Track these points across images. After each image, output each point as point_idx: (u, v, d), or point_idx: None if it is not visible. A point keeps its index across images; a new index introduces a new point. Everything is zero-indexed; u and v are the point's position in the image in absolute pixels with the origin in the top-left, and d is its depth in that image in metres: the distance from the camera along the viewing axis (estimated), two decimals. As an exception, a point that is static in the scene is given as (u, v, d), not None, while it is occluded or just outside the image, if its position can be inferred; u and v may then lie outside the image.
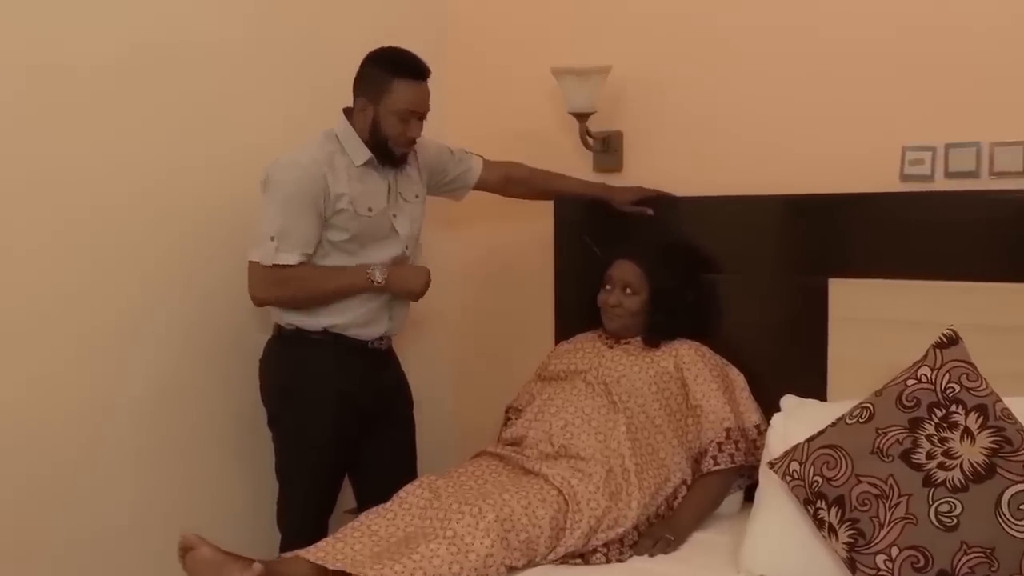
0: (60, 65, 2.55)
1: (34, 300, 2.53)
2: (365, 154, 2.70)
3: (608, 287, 2.89)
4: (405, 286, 2.78)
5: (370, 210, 2.71)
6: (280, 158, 2.66)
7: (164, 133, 2.78)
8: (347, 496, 3.01)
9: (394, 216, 2.77)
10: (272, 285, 2.66)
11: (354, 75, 2.70)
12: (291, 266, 2.63)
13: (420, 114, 2.71)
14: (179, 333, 2.84)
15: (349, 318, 2.75)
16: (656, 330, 2.86)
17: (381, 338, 2.84)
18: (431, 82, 2.71)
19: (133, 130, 2.71)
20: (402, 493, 2.51)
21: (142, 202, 2.74)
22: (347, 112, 2.75)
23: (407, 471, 2.93)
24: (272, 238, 2.60)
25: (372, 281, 2.70)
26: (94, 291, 2.65)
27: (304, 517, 2.82)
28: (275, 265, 2.63)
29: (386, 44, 2.71)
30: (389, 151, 2.71)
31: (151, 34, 2.73)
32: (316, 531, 2.77)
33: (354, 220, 2.69)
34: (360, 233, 2.71)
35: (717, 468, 2.65)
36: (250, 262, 2.67)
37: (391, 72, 2.64)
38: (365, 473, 2.93)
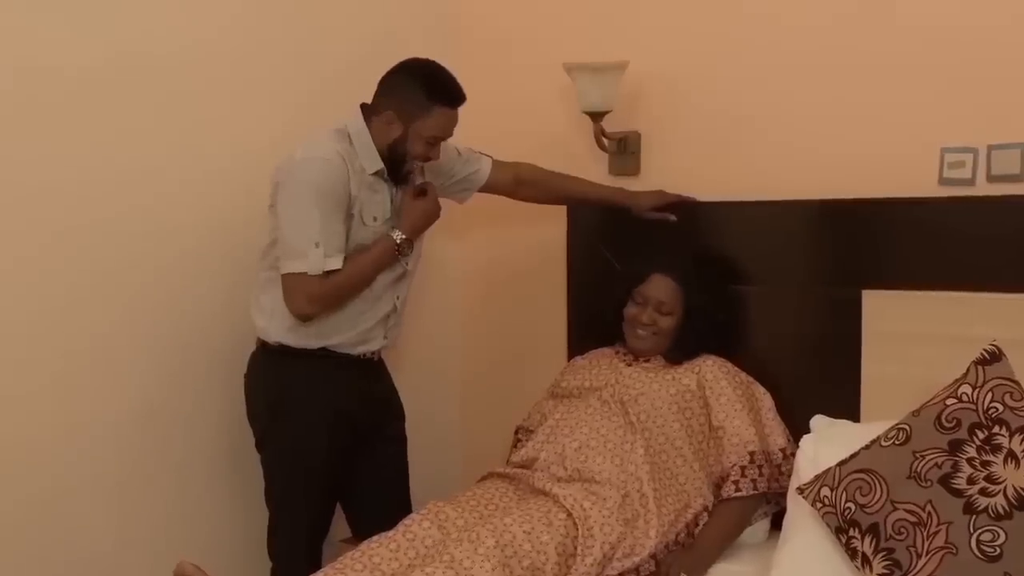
0: (51, 70, 2.57)
1: (14, 315, 2.55)
2: (377, 163, 2.71)
3: (640, 302, 2.89)
4: (421, 225, 2.81)
5: (375, 219, 2.73)
6: (296, 154, 2.65)
7: (155, 143, 2.79)
8: (339, 520, 3.03)
9: (394, 228, 2.77)
10: (322, 295, 2.65)
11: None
12: (338, 270, 2.64)
13: (446, 139, 2.76)
14: (167, 349, 2.85)
15: (344, 338, 2.77)
16: (682, 348, 2.87)
17: (373, 351, 2.87)
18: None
19: (121, 141, 2.72)
20: (408, 522, 2.51)
21: (129, 213, 2.75)
22: (364, 110, 2.74)
23: (401, 491, 2.97)
24: (317, 244, 2.59)
25: (398, 246, 2.73)
26: (77, 305, 2.66)
27: (297, 543, 2.83)
28: (326, 272, 2.62)
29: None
30: (400, 168, 2.74)
31: (147, 39, 2.76)
32: (311, 558, 2.80)
33: (360, 229, 2.71)
34: (362, 243, 2.72)
35: (739, 494, 2.66)
36: (292, 275, 2.63)
37: (431, 98, 2.66)
38: (358, 494, 2.94)
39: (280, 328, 2.73)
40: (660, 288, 2.87)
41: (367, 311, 2.78)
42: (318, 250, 2.59)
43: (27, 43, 2.53)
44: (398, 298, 2.85)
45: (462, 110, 2.74)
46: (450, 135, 2.76)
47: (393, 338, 2.93)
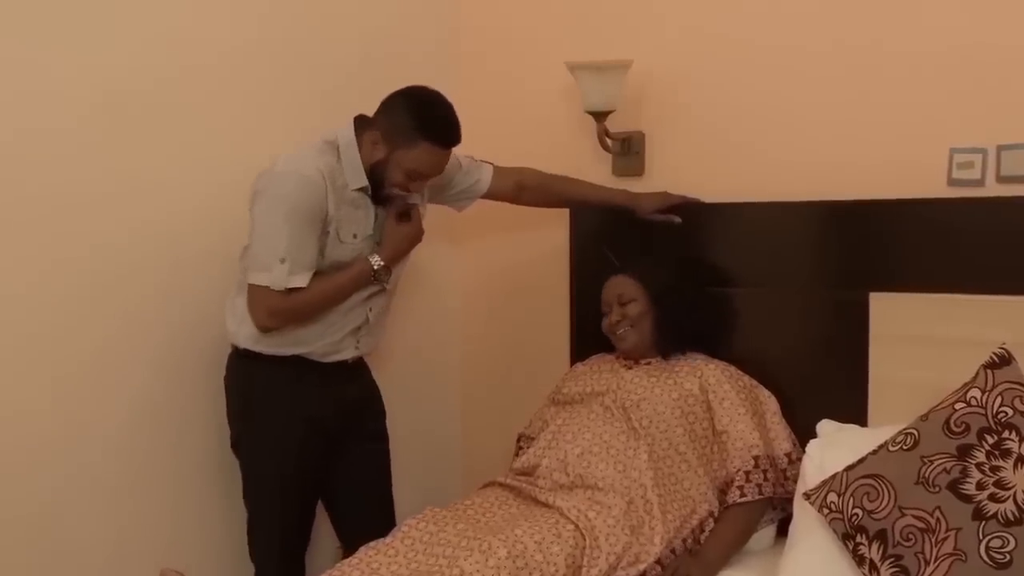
0: (51, 81, 2.58)
1: (9, 321, 2.55)
2: (361, 181, 2.68)
3: (605, 310, 2.93)
4: (402, 252, 2.79)
5: (354, 237, 2.71)
6: (275, 166, 2.64)
7: (151, 152, 2.79)
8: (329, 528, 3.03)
9: (378, 244, 2.76)
10: (284, 311, 2.65)
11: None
12: (303, 287, 2.63)
13: (431, 176, 2.73)
14: (163, 353, 2.85)
15: (312, 347, 2.77)
16: (668, 335, 2.88)
17: (346, 360, 2.86)
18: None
19: (117, 150, 2.72)
20: (404, 527, 2.54)
21: (125, 221, 2.75)
22: (358, 123, 2.71)
23: (382, 491, 2.97)
24: (282, 260, 2.58)
25: (374, 272, 2.71)
26: (73, 312, 2.66)
27: (272, 544, 2.84)
28: (288, 289, 2.62)
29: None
30: (381, 189, 2.70)
31: (146, 47, 2.77)
32: (288, 560, 2.82)
33: (336, 247, 2.69)
34: (339, 260, 2.70)
35: (744, 500, 2.66)
36: (255, 287, 2.64)
37: (421, 132, 2.61)
38: (338, 497, 2.94)
39: (249, 334, 2.73)
40: (615, 285, 2.91)
41: (336, 323, 2.77)
42: (283, 266, 2.59)
43: (31, 59, 2.55)
44: (371, 310, 2.83)
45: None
46: (436, 174, 2.72)
47: (368, 347, 2.91)
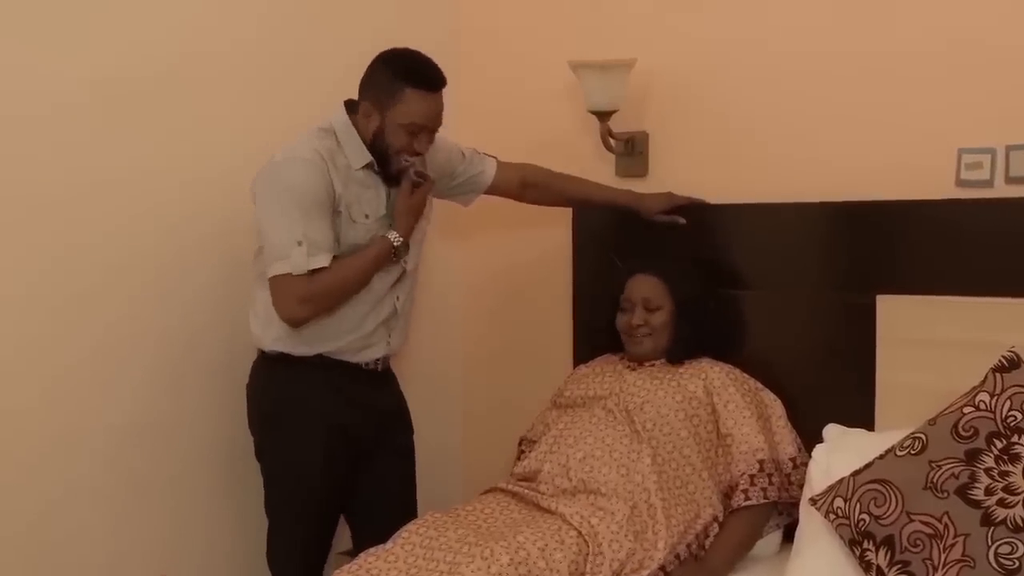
0: (48, 76, 2.60)
1: (9, 322, 2.56)
2: (364, 157, 2.71)
3: (627, 307, 2.90)
4: (411, 222, 2.77)
5: (367, 217, 2.73)
6: (273, 158, 2.66)
7: (154, 151, 2.81)
8: (343, 535, 3.02)
9: (390, 228, 2.76)
10: (312, 295, 2.63)
11: (361, 73, 2.70)
12: (325, 268, 2.62)
13: (431, 128, 2.72)
14: (166, 358, 2.86)
15: (344, 343, 2.76)
16: (681, 345, 2.87)
17: (377, 359, 2.86)
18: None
19: (118, 149, 2.74)
20: (403, 532, 2.53)
21: (127, 219, 2.76)
22: (348, 106, 2.75)
23: (407, 507, 2.95)
24: (299, 242, 2.58)
25: (394, 248, 2.71)
26: (74, 314, 2.68)
27: (292, 555, 2.84)
28: (311, 272, 2.60)
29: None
30: (388, 164, 2.71)
31: (145, 44, 2.78)
32: (309, 570, 2.80)
33: (350, 227, 2.70)
34: (355, 243, 2.71)
35: (748, 503, 2.65)
36: (278, 278, 2.62)
37: (403, 79, 2.64)
38: (361, 510, 2.94)
39: (276, 336, 2.73)
40: (642, 286, 2.89)
41: (368, 314, 2.77)
42: (301, 248, 2.58)
43: (28, 50, 2.55)
44: (398, 299, 2.84)
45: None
46: (433, 123, 2.72)
47: (398, 342, 2.91)
